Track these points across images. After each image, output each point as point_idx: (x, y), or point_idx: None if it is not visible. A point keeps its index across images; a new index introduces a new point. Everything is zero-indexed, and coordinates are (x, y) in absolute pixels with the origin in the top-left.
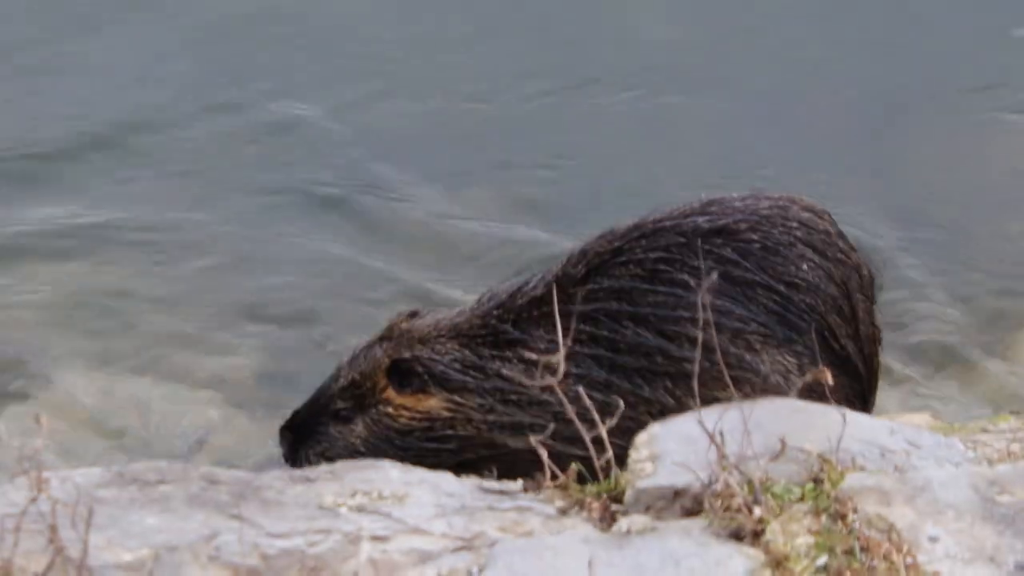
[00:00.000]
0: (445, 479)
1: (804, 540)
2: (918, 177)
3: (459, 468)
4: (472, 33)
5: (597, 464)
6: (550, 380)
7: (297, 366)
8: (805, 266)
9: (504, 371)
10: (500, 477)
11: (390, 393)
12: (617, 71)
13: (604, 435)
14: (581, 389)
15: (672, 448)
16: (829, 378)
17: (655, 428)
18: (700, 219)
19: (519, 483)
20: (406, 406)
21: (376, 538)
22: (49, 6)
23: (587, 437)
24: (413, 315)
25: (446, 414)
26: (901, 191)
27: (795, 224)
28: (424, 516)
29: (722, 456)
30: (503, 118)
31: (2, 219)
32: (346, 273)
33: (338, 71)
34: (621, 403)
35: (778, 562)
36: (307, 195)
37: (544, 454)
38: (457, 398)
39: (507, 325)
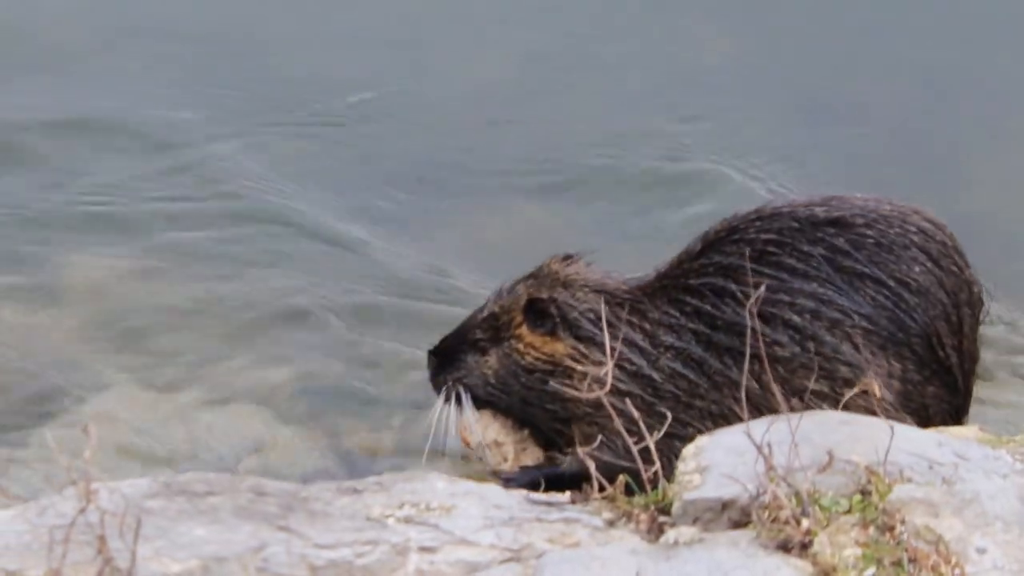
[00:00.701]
0: (492, 491)
1: (852, 552)
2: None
3: (565, 423)
4: None
5: (645, 475)
6: (598, 392)
7: (344, 376)
8: (918, 268)
9: (628, 336)
10: (591, 443)
11: (523, 330)
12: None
13: (652, 448)
14: (628, 401)
15: (720, 459)
16: (876, 390)
17: (703, 440)
18: (818, 209)
19: (567, 495)
20: (535, 345)
21: (424, 549)
22: None
23: (635, 449)
24: (567, 258)
25: (568, 362)
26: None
27: (913, 228)
28: (471, 527)
29: (770, 468)
30: None
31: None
32: (391, 283)
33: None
34: (667, 412)
35: (826, 573)
36: (356, 203)
37: (592, 465)
38: (582, 348)
39: (636, 294)
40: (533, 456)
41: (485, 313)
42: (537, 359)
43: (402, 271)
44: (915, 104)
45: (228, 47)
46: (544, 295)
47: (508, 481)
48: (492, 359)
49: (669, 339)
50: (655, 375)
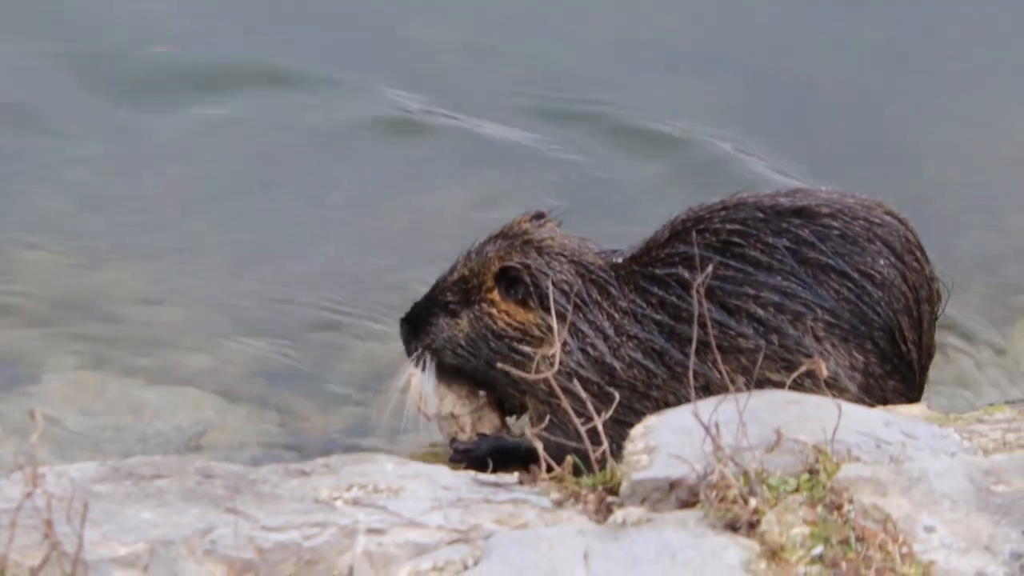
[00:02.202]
0: (441, 472)
1: (800, 530)
2: (916, 166)
3: (522, 393)
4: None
5: (593, 456)
6: (546, 373)
7: (292, 360)
8: (882, 261)
9: (595, 320)
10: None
11: (494, 295)
12: None
13: (600, 429)
14: (583, 375)
15: (668, 440)
16: (824, 369)
17: (651, 420)
18: (783, 199)
19: (515, 475)
20: (508, 312)
21: (372, 531)
22: None
23: (583, 430)
24: (538, 217)
25: (537, 332)
26: (900, 181)
27: (877, 221)
28: (420, 509)
29: (718, 447)
30: None
31: None
32: (341, 268)
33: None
34: (616, 395)
35: (774, 553)
36: (300, 191)
37: (540, 446)
38: (550, 323)
39: (610, 274)
40: (489, 426)
41: (455, 276)
42: (508, 324)
43: (353, 251)
44: (865, 81)
45: None
46: (516, 262)
47: (464, 450)
48: (463, 321)
49: (633, 329)
50: (616, 364)
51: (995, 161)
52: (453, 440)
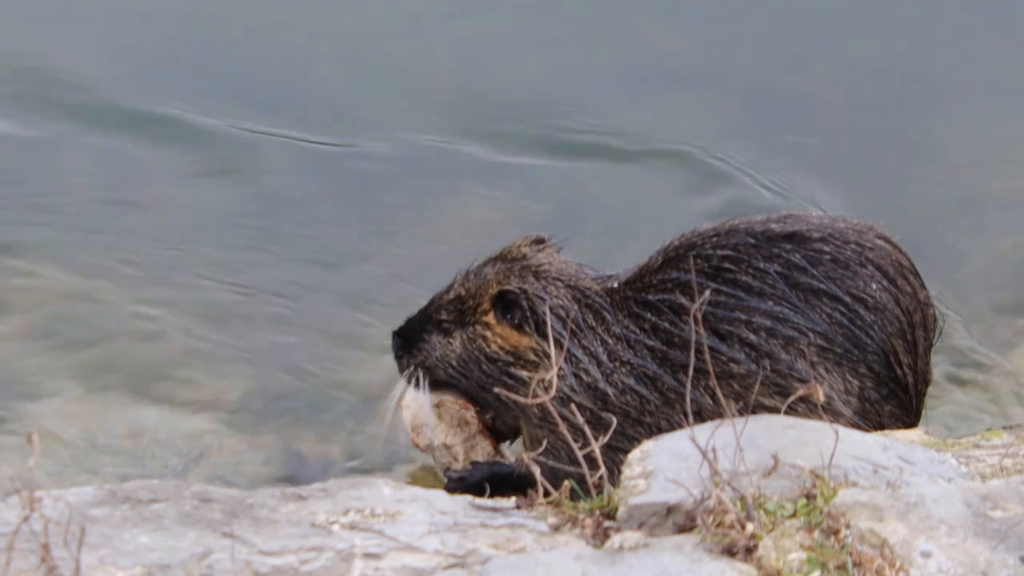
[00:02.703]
0: (438, 496)
1: (797, 556)
2: (917, 187)
3: (515, 417)
4: None
5: (590, 480)
6: (541, 399)
7: (290, 385)
8: (875, 285)
9: (589, 346)
10: (537, 446)
11: (490, 318)
12: None
13: (597, 453)
14: (578, 401)
15: (665, 464)
16: (821, 395)
17: (648, 445)
18: (774, 225)
19: (512, 500)
20: (502, 336)
21: (369, 555)
22: None
23: (580, 455)
24: (539, 241)
25: (531, 357)
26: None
27: (869, 245)
28: (417, 533)
29: (715, 472)
30: None
31: None
32: (337, 290)
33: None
34: (615, 417)
35: None
36: (296, 212)
37: (537, 471)
38: (545, 348)
39: (605, 299)
40: (483, 454)
41: (451, 295)
42: (501, 348)
43: (353, 276)
44: (866, 100)
45: None
46: (514, 286)
47: (459, 479)
48: (456, 342)
49: (627, 355)
50: (609, 390)
51: (996, 182)
52: (447, 469)
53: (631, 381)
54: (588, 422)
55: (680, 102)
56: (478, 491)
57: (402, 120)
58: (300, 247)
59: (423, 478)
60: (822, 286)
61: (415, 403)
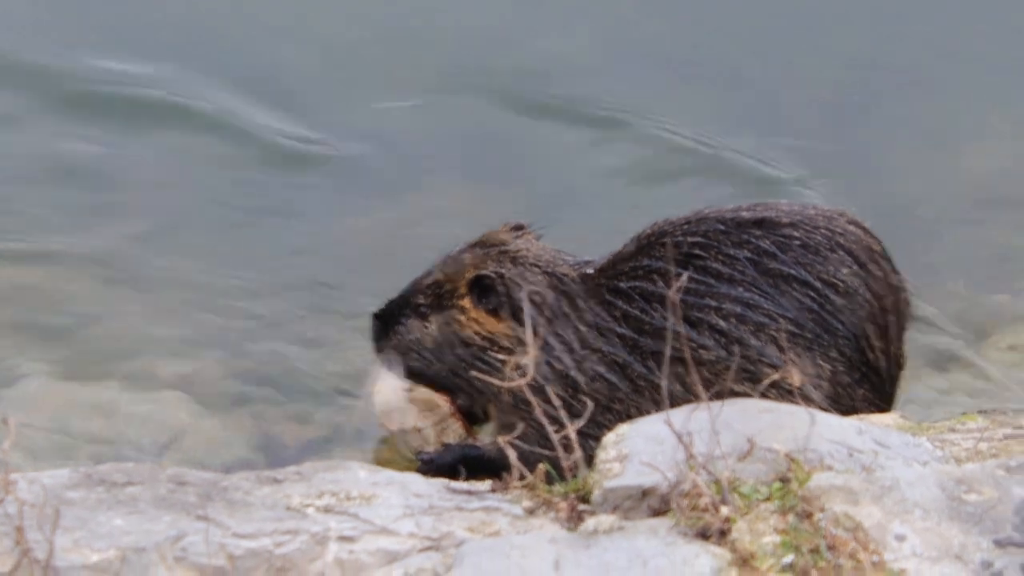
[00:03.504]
0: (413, 479)
1: (771, 539)
2: (894, 175)
3: (487, 403)
4: None
5: (565, 464)
6: (515, 383)
7: (265, 368)
8: (845, 270)
9: (563, 334)
10: (509, 431)
11: (466, 302)
12: None
13: (573, 435)
14: (549, 388)
15: (640, 448)
16: (797, 379)
17: (623, 428)
18: (744, 212)
19: (487, 483)
20: (477, 320)
21: (343, 538)
22: None
23: (555, 437)
24: (518, 228)
25: (505, 343)
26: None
27: (840, 231)
28: (391, 516)
29: (690, 456)
30: None
31: None
32: (312, 274)
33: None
34: (589, 402)
35: (744, 560)
36: (269, 194)
37: (512, 454)
38: (520, 333)
39: (580, 286)
40: (454, 436)
41: (430, 279)
42: (476, 333)
43: (328, 259)
44: (848, 87)
45: None
46: (491, 271)
47: (430, 460)
48: (432, 326)
49: (598, 343)
50: (579, 378)
51: (972, 170)
52: (419, 452)
53: (602, 369)
54: (559, 409)
55: (663, 82)
56: (450, 472)
57: (378, 95)
58: (273, 229)
59: (398, 462)
60: (792, 272)
61: (387, 387)
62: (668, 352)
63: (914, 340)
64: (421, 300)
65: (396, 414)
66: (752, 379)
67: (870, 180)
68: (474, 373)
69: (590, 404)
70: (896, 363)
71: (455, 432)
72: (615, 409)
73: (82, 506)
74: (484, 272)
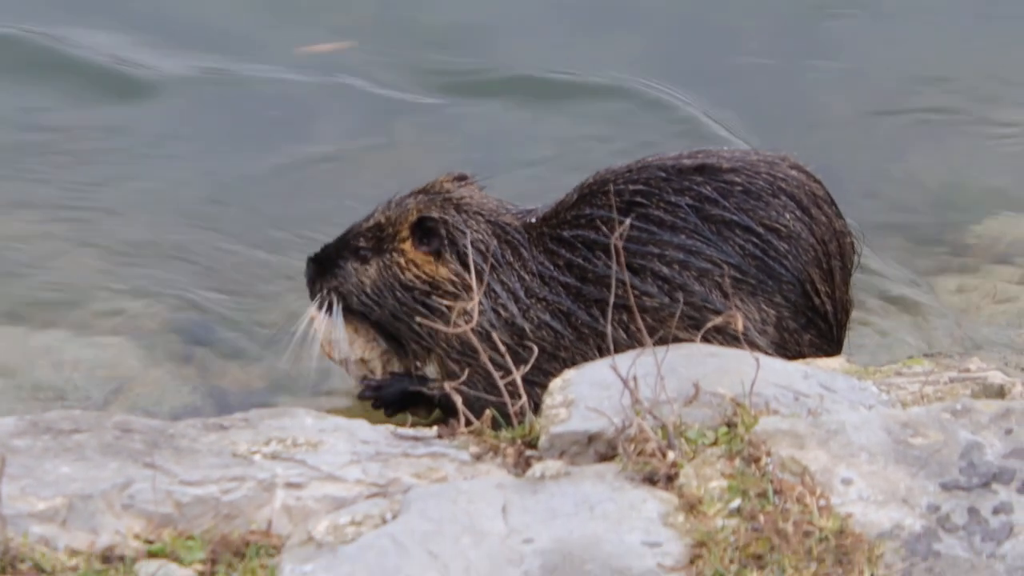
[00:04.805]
0: (360, 426)
1: (717, 483)
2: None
3: (428, 348)
4: None
5: (511, 409)
6: (462, 328)
7: (211, 316)
8: (788, 215)
9: (507, 281)
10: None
11: (407, 245)
12: None
13: (519, 381)
14: (495, 335)
15: (586, 393)
16: (740, 323)
17: (569, 374)
18: (686, 159)
19: (434, 429)
20: (417, 263)
21: (290, 485)
22: None
23: (501, 383)
24: (461, 178)
25: (449, 287)
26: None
27: (781, 176)
28: (338, 463)
29: (636, 401)
30: None
31: None
32: (261, 221)
33: None
34: (535, 349)
35: (692, 505)
36: (209, 144)
37: (459, 400)
38: (464, 278)
39: (523, 236)
40: (400, 367)
41: (370, 222)
42: (417, 277)
43: (272, 208)
44: (788, 36)
45: None
46: (435, 214)
47: (376, 387)
48: (372, 269)
49: (543, 292)
50: (525, 326)
51: (914, 113)
52: (364, 378)
53: (547, 317)
54: (505, 356)
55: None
56: (393, 403)
57: (324, 58)
58: (218, 178)
59: (345, 409)
60: (734, 217)
61: (328, 321)
62: (612, 300)
63: (860, 284)
64: (362, 243)
65: (340, 344)
66: (696, 326)
67: (815, 124)
68: (417, 319)
69: (536, 352)
70: (843, 308)
71: (400, 366)
72: (560, 357)
73: (28, 454)
74: (427, 214)
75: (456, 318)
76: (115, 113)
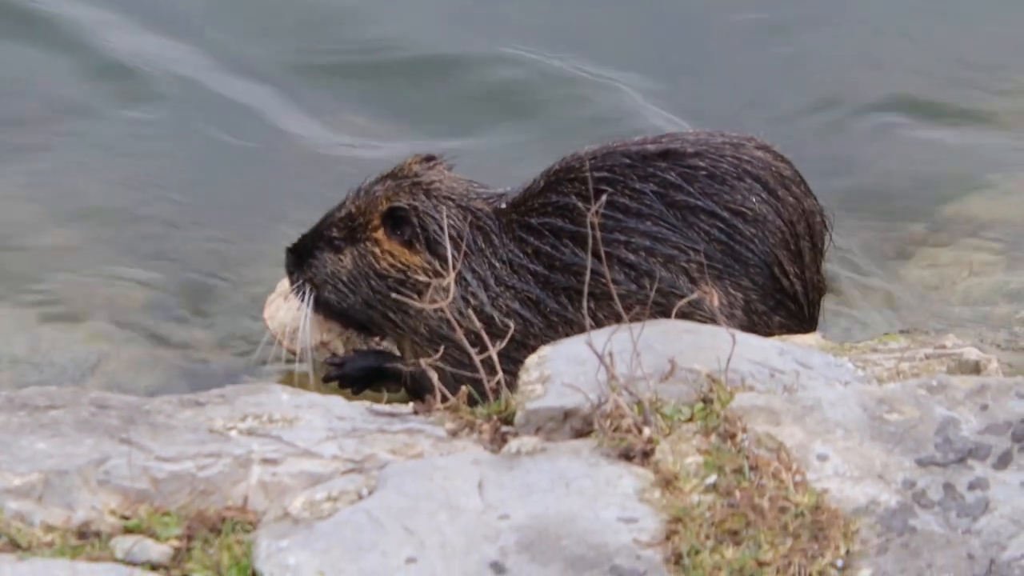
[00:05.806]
0: (336, 402)
1: (693, 459)
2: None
3: (401, 336)
4: None
5: (488, 386)
6: (440, 303)
7: (188, 294)
8: (754, 198)
9: (476, 266)
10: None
11: (380, 234)
12: None
13: (495, 357)
14: (471, 312)
15: (562, 369)
16: (715, 299)
17: (545, 350)
18: (650, 145)
19: (410, 405)
20: (392, 253)
21: (266, 461)
22: None
23: (477, 360)
24: (428, 159)
25: (421, 276)
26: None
27: (747, 158)
28: (314, 439)
29: (612, 377)
30: None
31: None
32: (236, 202)
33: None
34: (511, 326)
35: (667, 481)
36: (195, 123)
37: (434, 376)
38: (436, 266)
39: (494, 221)
40: (362, 345)
41: (342, 212)
42: (392, 265)
43: (245, 188)
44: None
45: None
46: (404, 203)
47: (340, 364)
48: (347, 258)
49: (512, 280)
50: (494, 314)
51: (889, 90)
52: (330, 358)
53: (516, 305)
54: (474, 345)
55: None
56: (357, 381)
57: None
58: (197, 158)
59: (321, 386)
60: (699, 203)
61: (280, 310)
62: (575, 287)
63: (833, 263)
64: (335, 233)
65: (300, 334)
66: (664, 312)
67: (780, 105)
68: (390, 305)
69: (508, 336)
70: (814, 287)
71: (362, 342)
72: (530, 345)
73: (4, 430)
74: (397, 204)
75: (428, 301)
76: (97, 91)
